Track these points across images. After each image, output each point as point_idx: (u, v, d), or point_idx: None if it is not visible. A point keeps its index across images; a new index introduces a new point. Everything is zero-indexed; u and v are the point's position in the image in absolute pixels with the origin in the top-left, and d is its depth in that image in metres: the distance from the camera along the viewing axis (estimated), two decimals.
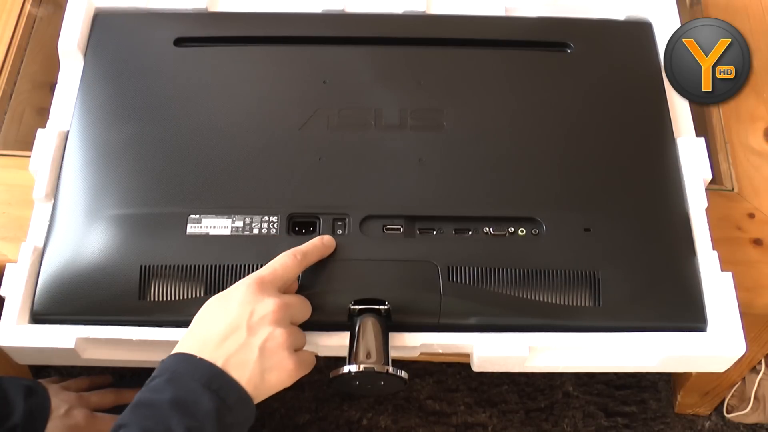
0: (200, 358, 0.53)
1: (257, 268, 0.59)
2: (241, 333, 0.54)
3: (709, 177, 0.69)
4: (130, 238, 0.64)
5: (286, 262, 0.59)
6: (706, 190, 0.68)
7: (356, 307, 0.61)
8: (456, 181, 0.68)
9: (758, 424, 1.08)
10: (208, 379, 0.53)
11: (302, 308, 0.59)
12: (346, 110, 0.71)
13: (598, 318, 0.62)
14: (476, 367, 0.63)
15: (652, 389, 1.11)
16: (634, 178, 0.68)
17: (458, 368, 1.10)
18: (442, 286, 0.62)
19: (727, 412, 1.08)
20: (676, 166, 0.69)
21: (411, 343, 0.61)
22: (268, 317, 0.55)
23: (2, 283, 0.63)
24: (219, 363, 0.53)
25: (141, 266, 0.62)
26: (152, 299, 0.62)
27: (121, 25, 0.76)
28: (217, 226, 0.64)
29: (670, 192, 0.68)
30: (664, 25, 0.76)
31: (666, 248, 0.65)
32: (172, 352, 0.55)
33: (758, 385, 1.04)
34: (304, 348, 0.59)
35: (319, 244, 0.62)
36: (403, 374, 0.57)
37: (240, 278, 0.58)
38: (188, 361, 0.54)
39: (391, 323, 0.61)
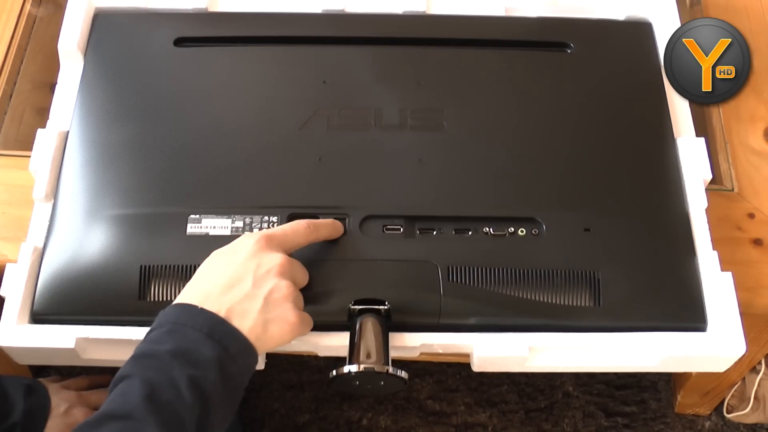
0: (201, 308, 0.53)
1: None
2: (247, 283, 0.55)
3: (709, 177, 0.69)
4: (130, 238, 0.64)
5: (298, 228, 0.60)
6: (706, 190, 0.68)
7: (356, 307, 0.61)
8: (456, 181, 0.68)
9: (758, 424, 1.08)
10: (210, 329, 0.52)
11: (303, 272, 0.60)
12: (346, 110, 0.71)
13: (598, 318, 0.62)
14: (476, 367, 0.63)
15: (652, 389, 1.11)
16: (634, 178, 0.68)
17: (458, 368, 1.10)
18: (442, 286, 0.62)
19: (727, 412, 1.08)
20: (676, 166, 0.69)
21: (411, 343, 0.61)
22: (274, 269, 0.56)
23: (2, 283, 0.63)
24: (222, 312, 0.53)
25: (141, 266, 0.62)
26: (152, 299, 0.62)
27: (121, 25, 0.76)
28: (217, 226, 0.64)
29: (670, 192, 0.68)
30: (664, 25, 0.76)
31: (666, 248, 0.65)
32: (173, 303, 0.55)
33: (758, 385, 1.04)
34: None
35: (330, 223, 0.63)
36: (403, 374, 0.57)
37: None
38: (189, 311, 0.54)
39: (391, 323, 0.61)
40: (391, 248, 0.64)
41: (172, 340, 0.52)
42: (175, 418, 0.49)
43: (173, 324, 0.53)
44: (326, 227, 0.62)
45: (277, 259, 0.56)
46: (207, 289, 0.55)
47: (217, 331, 0.53)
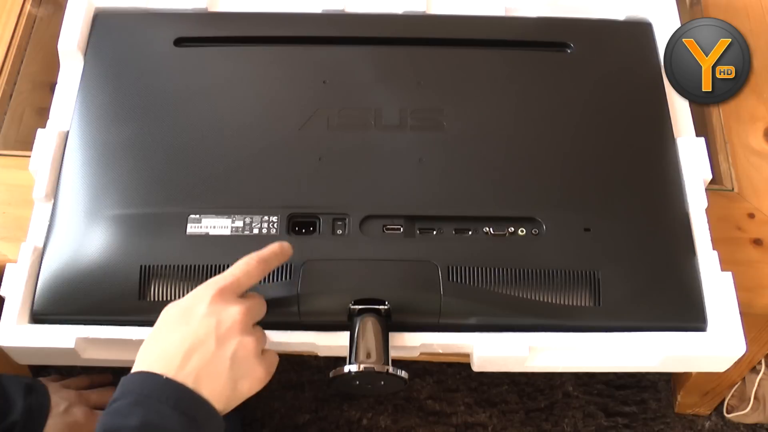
0: (167, 378, 0.51)
1: None
2: (209, 345, 0.53)
3: (709, 177, 0.69)
4: (130, 238, 0.64)
5: (249, 269, 0.57)
6: (706, 190, 0.68)
7: (356, 307, 0.61)
8: (456, 181, 0.68)
9: (758, 424, 1.08)
10: (177, 400, 0.51)
11: (261, 307, 0.58)
12: (346, 110, 0.71)
13: (598, 318, 0.62)
14: (476, 367, 0.63)
15: (652, 389, 1.11)
16: (634, 178, 0.68)
17: (458, 368, 1.10)
18: (442, 286, 0.62)
19: (727, 412, 1.08)
20: (676, 166, 0.69)
21: (411, 343, 0.61)
22: (235, 326, 0.54)
23: (2, 283, 0.63)
24: (189, 380, 0.52)
25: (141, 266, 0.62)
26: (152, 299, 0.62)
27: (121, 25, 0.76)
28: (217, 226, 0.64)
29: (670, 192, 0.68)
30: (664, 25, 0.76)
31: (666, 248, 0.65)
32: (133, 370, 0.53)
33: (758, 385, 1.04)
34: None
35: (278, 250, 0.59)
36: (403, 374, 0.57)
37: None
38: (155, 380, 0.52)
39: (391, 323, 0.61)
40: (391, 248, 0.64)
41: (138, 413, 0.50)
42: None
43: (138, 395, 0.51)
44: (275, 258, 0.59)
45: (235, 313, 0.54)
46: (168, 353, 0.53)
47: (183, 401, 0.51)
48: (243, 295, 0.57)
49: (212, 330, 0.53)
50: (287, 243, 0.61)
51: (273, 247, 0.60)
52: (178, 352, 0.53)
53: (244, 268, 0.57)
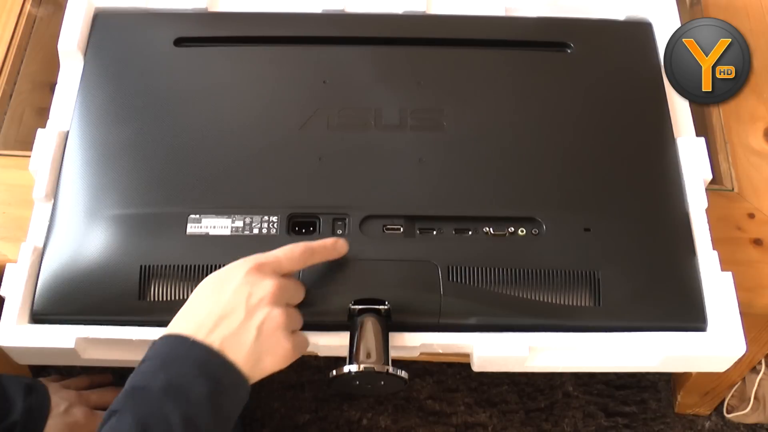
0: (194, 341, 0.53)
1: None
2: (239, 314, 0.54)
3: (709, 177, 0.69)
4: (130, 238, 0.64)
5: (292, 254, 0.58)
6: (706, 190, 0.68)
7: (356, 307, 0.61)
8: (456, 181, 0.68)
9: (758, 424, 1.08)
10: (203, 363, 0.52)
11: (297, 291, 0.58)
12: (346, 110, 0.71)
13: (598, 318, 0.62)
14: (476, 367, 0.63)
15: (652, 389, 1.11)
16: (634, 178, 0.68)
17: (458, 368, 1.10)
18: (442, 286, 0.62)
19: (727, 412, 1.08)
20: (676, 166, 0.69)
21: (411, 343, 0.61)
22: (266, 298, 0.54)
23: (2, 283, 0.63)
24: (215, 345, 0.52)
25: (141, 266, 0.62)
26: (152, 299, 0.62)
27: (121, 25, 0.76)
28: (217, 226, 0.64)
29: (670, 192, 0.68)
30: (664, 25, 0.76)
31: (666, 248, 0.65)
32: (164, 332, 0.54)
33: (758, 385, 1.04)
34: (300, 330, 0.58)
35: (330, 246, 0.60)
36: (403, 374, 0.57)
37: None
38: (182, 343, 0.53)
39: (391, 323, 0.61)
40: (391, 248, 0.64)
41: (164, 374, 0.51)
42: None
43: (165, 356, 0.52)
44: (323, 252, 0.60)
45: (268, 286, 0.55)
46: (199, 318, 0.54)
47: (210, 364, 0.52)
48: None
49: (243, 300, 0.54)
50: (343, 240, 0.61)
51: (325, 240, 0.60)
52: (209, 319, 0.54)
53: (288, 251, 0.58)
